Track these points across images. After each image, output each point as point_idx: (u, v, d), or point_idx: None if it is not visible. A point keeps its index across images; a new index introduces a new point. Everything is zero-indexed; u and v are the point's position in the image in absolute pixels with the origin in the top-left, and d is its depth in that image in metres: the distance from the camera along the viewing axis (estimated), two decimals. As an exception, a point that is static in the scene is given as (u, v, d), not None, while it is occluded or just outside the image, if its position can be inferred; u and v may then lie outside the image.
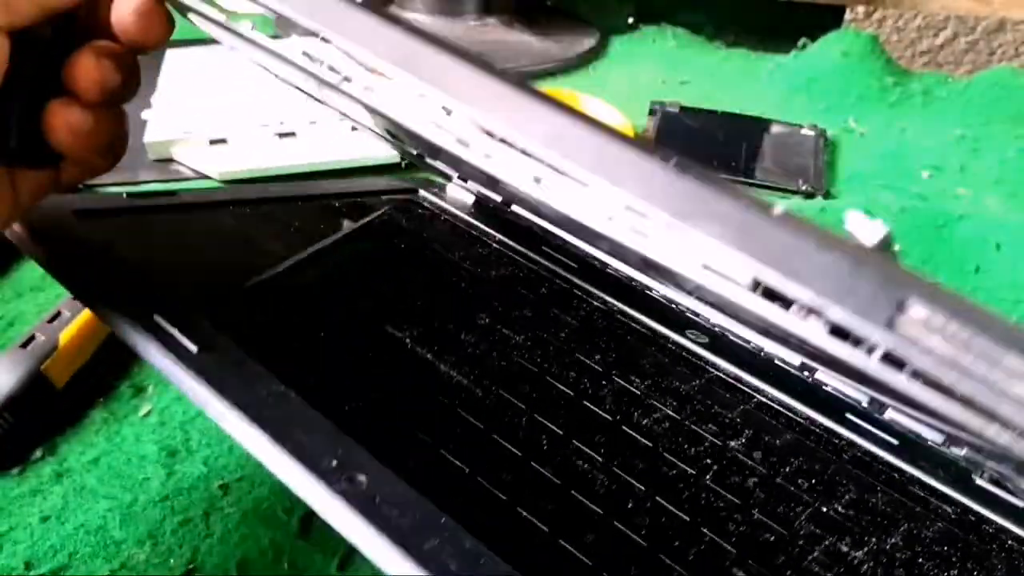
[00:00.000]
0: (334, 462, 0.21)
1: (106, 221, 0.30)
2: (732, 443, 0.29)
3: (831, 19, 0.83)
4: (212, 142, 0.49)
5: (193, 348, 0.23)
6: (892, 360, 0.14)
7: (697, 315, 0.34)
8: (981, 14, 0.77)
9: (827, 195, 0.52)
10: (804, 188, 0.52)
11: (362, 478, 0.21)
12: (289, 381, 0.23)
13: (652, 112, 0.58)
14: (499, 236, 0.38)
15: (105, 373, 0.35)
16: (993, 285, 0.45)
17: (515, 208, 0.38)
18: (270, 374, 0.23)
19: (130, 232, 0.30)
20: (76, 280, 0.25)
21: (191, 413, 0.34)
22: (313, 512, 0.25)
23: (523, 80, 0.18)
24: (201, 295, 0.27)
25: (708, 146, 0.56)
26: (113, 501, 0.30)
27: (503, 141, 0.18)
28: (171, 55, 0.57)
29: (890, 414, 0.31)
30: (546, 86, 0.61)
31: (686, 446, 0.28)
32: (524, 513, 0.24)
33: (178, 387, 0.23)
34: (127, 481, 0.31)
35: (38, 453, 0.32)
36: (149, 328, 0.23)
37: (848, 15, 0.83)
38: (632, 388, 0.30)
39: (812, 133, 0.57)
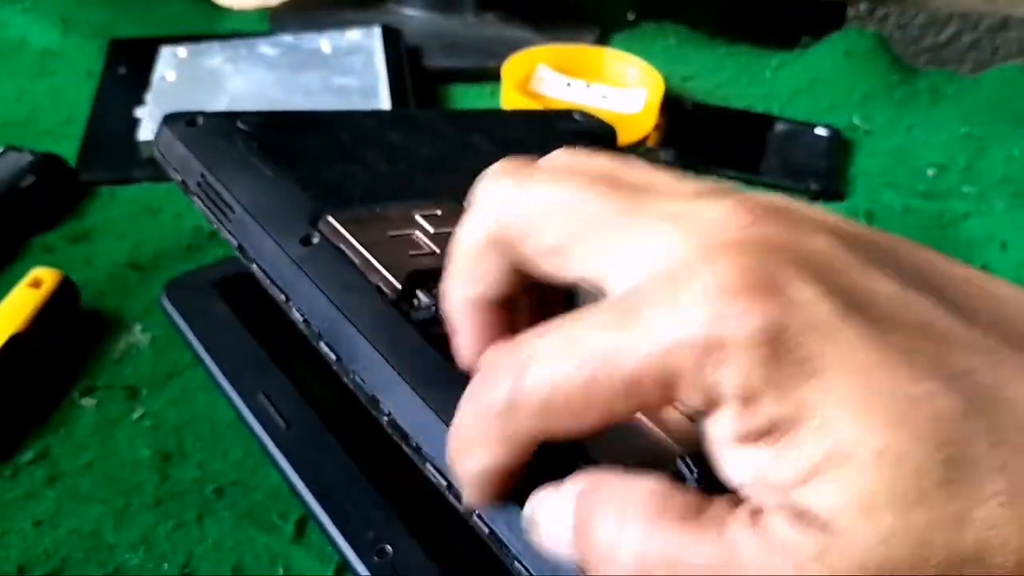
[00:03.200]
0: (371, 534, 0.27)
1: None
2: None
3: (833, 16, 0.83)
4: (208, 140, 0.49)
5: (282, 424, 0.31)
6: None
7: None
8: (985, 11, 0.77)
9: (834, 195, 0.51)
10: (814, 188, 0.51)
11: (389, 549, 0.27)
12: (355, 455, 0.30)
13: (664, 108, 0.58)
14: None
15: (96, 375, 0.35)
16: (1000, 285, 0.44)
17: None
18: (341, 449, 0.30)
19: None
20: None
21: (185, 417, 0.33)
22: (308, 517, 0.27)
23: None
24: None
25: (718, 143, 0.56)
26: (106, 505, 0.30)
27: None
28: (165, 52, 0.56)
29: None
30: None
31: None
32: None
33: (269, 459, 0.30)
34: (120, 485, 0.31)
35: (30, 456, 0.31)
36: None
37: (850, 12, 0.82)
38: None
39: (826, 133, 0.57)
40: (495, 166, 0.20)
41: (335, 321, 0.25)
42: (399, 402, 0.23)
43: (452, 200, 0.34)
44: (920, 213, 0.47)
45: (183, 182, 0.32)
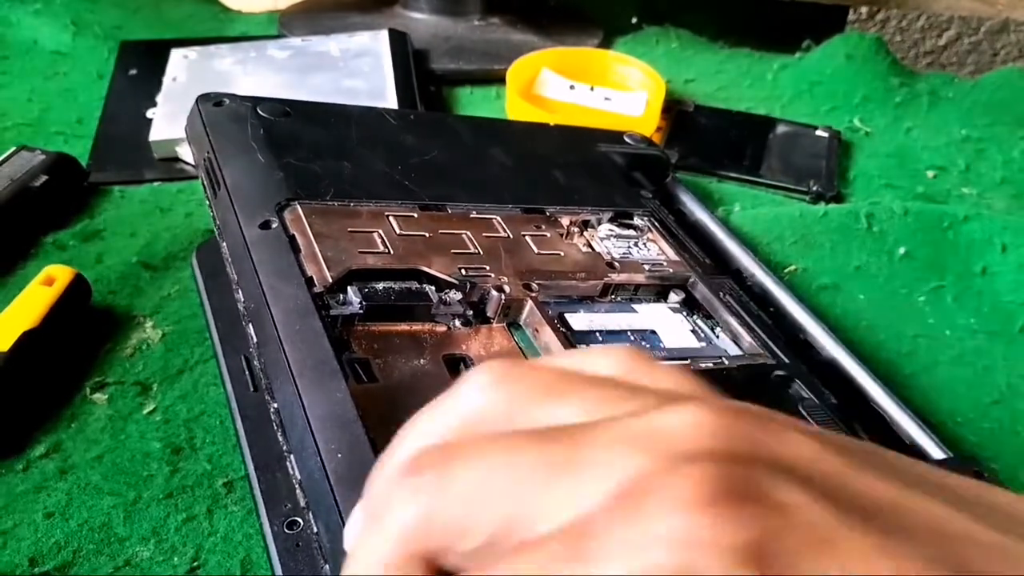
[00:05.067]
0: (287, 505, 0.28)
1: None
2: None
3: (834, 20, 0.83)
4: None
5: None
6: None
7: None
8: (985, 15, 0.77)
9: (834, 197, 0.52)
10: (815, 189, 0.52)
11: (300, 523, 0.27)
12: None
13: (667, 109, 0.58)
14: None
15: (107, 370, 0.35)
16: (999, 288, 0.45)
17: None
18: None
19: None
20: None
21: (195, 411, 0.34)
22: (244, 479, 0.28)
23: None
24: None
25: (720, 145, 0.56)
26: (117, 498, 0.30)
27: None
28: (176, 54, 0.57)
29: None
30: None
31: None
32: None
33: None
34: (131, 478, 0.31)
35: (42, 450, 0.32)
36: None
37: (851, 15, 0.83)
38: None
39: (826, 135, 0.57)
40: (402, 451, 0.16)
41: (260, 304, 0.26)
42: (285, 391, 0.23)
43: (453, 204, 0.34)
44: (920, 215, 0.47)
45: (196, 156, 0.34)
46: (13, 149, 0.45)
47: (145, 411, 0.34)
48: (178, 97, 0.52)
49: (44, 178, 0.43)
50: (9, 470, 0.31)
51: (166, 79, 0.54)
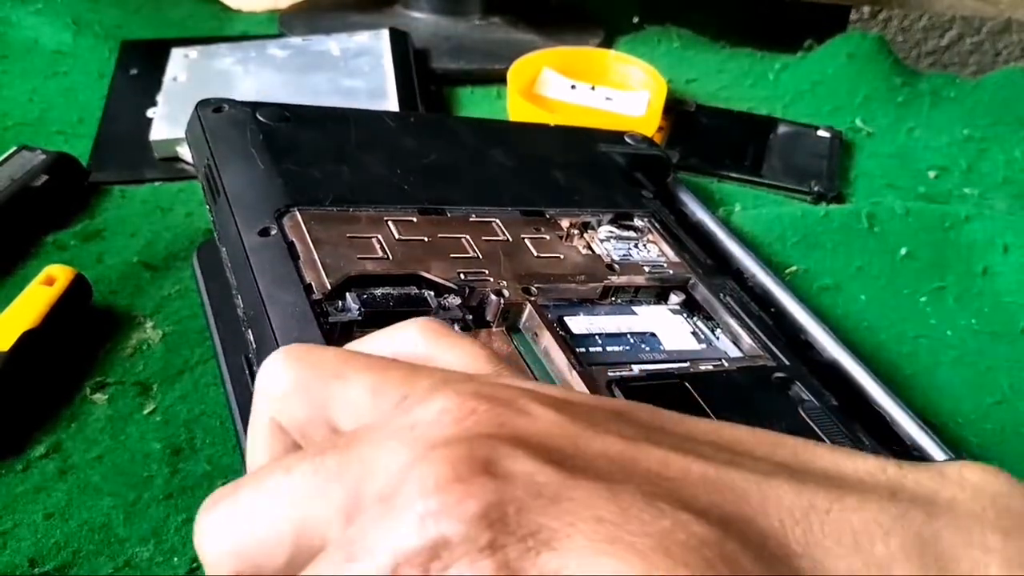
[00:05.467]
0: None
1: None
2: None
3: (836, 20, 0.83)
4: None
5: None
6: None
7: None
8: (987, 15, 0.77)
9: (836, 197, 0.52)
10: (816, 189, 0.51)
11: None
12: None
13: (668, 109, 0.58)
14: None
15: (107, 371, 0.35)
16: (1001, 288, 0.45)
17: None
18: None
19: None
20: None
21: (196, 412, 0.34)
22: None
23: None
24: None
25: (722, 145, 0.56)
26: (117, 499, 0.30)
27: None
28: (176, 54, 0.57)
29: None
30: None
31: None
32: None
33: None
34: (131, 479, 0.31)
35: (42, 450, 0.32)
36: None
37: (853, 15, 0.83)
38: None
39: (828, 135, 0.57)
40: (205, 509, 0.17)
41: (259, 311, 0.26)
42: None
43: (452, 207, 0.34)
44: (921, 215, 0.47)
45: (195, 163, 0.34)
46: (14, 149, 0.45)
47: (145, 411, 0.34)
48: (179, 97, 0.52)
49: (45, 178, 0.43)
50: (9, 470, 0.31)
51: (167, 78, 0.54)
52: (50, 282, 0.36)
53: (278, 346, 0.24)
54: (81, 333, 0.36)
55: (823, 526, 0.15)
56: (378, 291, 0.29)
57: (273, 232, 0.29)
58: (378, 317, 0.28)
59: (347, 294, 0.28)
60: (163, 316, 0.38)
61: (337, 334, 0.27)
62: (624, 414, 0.17)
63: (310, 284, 0.28)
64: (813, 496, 0.15)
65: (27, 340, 0.33)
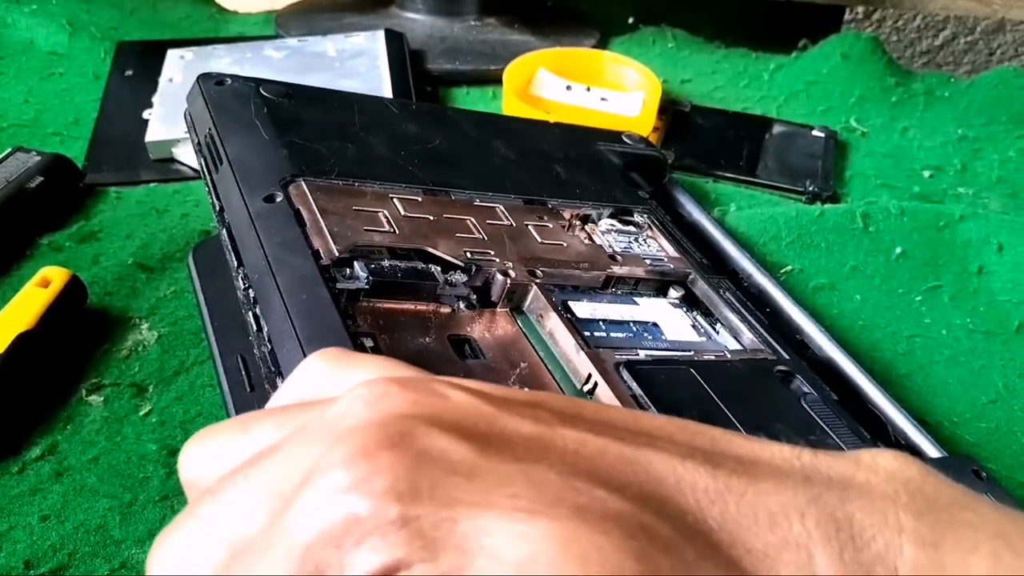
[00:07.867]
0: None
1: None
2: None
3: (830, 20, 0.83)
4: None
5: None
6: None
7: None
8: (981, 15, 0.77)
9: (831, 197, 0.52)
10: (811, 189, 0.52)
11: None
12: None
13: (663, 110, 0.58)
14: None
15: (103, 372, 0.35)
16: (996, 287, 0.45)
17: None
18: None
19: None
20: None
21: (191, 413, 0.34)
22: None
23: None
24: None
25: (717, 145, 0.56)
26: (113, 500, 0.30)
27: None
28: (172, 55, 0.57)
29: None
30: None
31: None
32: None
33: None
34: (127, 480, 0.31)
35: (37, 452, 0.32)
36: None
37: (847, 15, 0.83)
38: None
39: (822, 135, 0.57)
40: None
41: (263, 274, 0.26)
42: (292, 362, 0.23)
43: (456, 191, 0.34)
44: (916, 215, 0.47)
45: (195, 135, 0.33)
46: (9, 150, 0.45)
47: (141, 413, 0.34)
48: (174, 98, 0.52)
49: (40, 179, 0.43)
50: (4, 472, 0.31)
51: (162, 80, 0.54)
52: (45, 284, 0.36)
53: (286, 308, 0.24)
54: (76, 335, 0.36)
55: (739, 507, 0.15)
56: (385, 262, 0.29)
57: (279, 199, 0.29)
58: (385, 287, 0.28)
59: (355, 262, 0.28)
60: (159, 317, 0.38)
61: (344, 301, 0.26)
62: (541, 403, 0.17)
63: (318, 250, 0.27)
64: (728, 479, 0.16)
65: (22, 342, 0.33)
